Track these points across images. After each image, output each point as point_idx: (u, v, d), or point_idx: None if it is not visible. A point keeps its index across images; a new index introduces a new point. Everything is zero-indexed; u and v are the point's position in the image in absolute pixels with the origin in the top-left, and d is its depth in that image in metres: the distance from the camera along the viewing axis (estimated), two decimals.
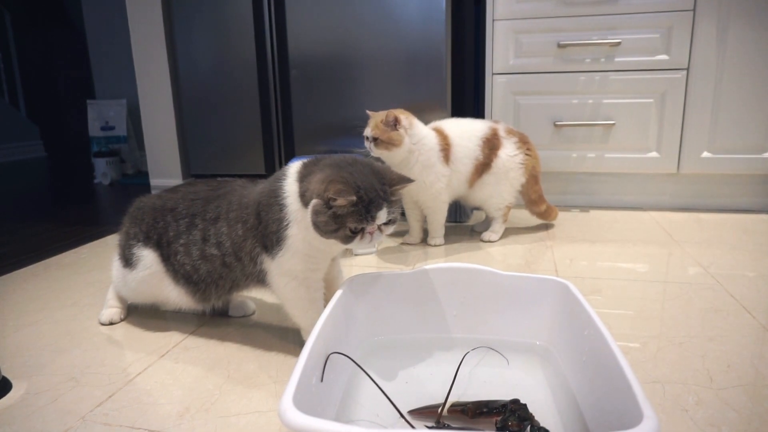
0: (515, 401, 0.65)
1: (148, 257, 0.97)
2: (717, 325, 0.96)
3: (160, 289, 0.98)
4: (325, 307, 0.77)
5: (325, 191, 0.74)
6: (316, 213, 0.76)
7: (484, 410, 0.65)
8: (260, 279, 0.89)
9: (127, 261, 0.99)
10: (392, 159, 1.37)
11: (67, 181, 3.06)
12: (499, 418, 0.63)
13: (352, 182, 0.75)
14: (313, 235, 0.79)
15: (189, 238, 0.93)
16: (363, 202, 0.75)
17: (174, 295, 0.97)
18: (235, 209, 0.89)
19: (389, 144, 1.34)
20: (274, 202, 0.84)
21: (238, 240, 0.88)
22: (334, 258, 0.94)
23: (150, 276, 0.97)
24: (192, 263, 0.93)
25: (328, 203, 0.75)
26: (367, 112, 1.41)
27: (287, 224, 0.82)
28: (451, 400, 0.68)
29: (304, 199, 0.79)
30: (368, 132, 1.37)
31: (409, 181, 0.81)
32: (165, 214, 0.96)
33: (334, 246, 0.83)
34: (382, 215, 0.76)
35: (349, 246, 0.78)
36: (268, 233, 0.85)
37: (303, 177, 0.82)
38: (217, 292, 0.95)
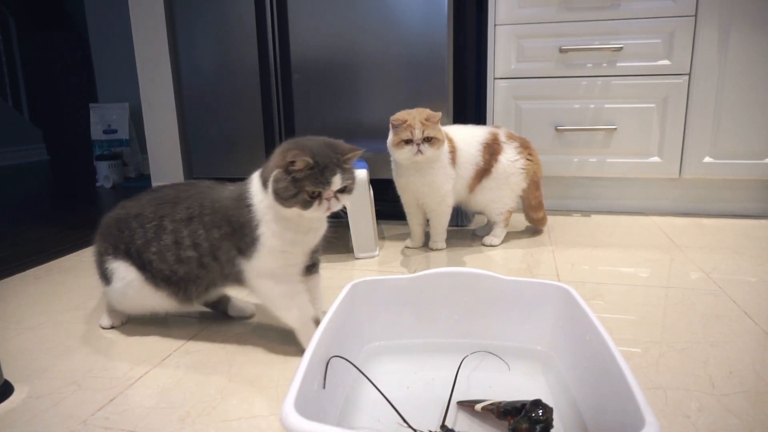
0: (536, 402, 0.63)
1: (120, 268, 0.97)
2: (719, 331, 0.96)
3: (143, 295, 0.97)
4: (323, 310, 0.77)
5: (283, 159, 0.80)
6: (276, 181, 0.81)
7: (509, 409, 0.65)
8: (238, 279, 0.92)
9: (105, 277, 0.99)
10: (437, 156, 1.37)
11: (70, 185, 3.06)
12: (512, 419, 0.63)
13: (307, 148, 0.81)
14: (284, 226, 0.84)
15: (160, 243, 0.93)
16: (318, 166, 0.80)
17: (157, 300, 0.98)
18: (209, 213, 0.91)
19: (440, 142, 1.34)
20: (242, 204, 0.88)
21: (215, 242, 0.91)
22: (312, 275, 0.96)
23: (127, 285, 0.97)
24: (169, 267, 0.94)
25: (287, 169, 0.80)
26: (392, 118, 1.33)
27: (257, 224, 0.86)
28: (486, 401, 0.68)
29: (265, 182, 0.84)
30: (418, 134, 1.29)
31: (359, 150, 0.85)
32: (129, 221, 0.97)
33: (308, 235, 0.88)
34: (337, 180, 0.81)
35: (308, 213, 0.82)
36: (241, 236, 0.88)
37: (262, 170, 0.88)
38: (197, 289, 0.96)
